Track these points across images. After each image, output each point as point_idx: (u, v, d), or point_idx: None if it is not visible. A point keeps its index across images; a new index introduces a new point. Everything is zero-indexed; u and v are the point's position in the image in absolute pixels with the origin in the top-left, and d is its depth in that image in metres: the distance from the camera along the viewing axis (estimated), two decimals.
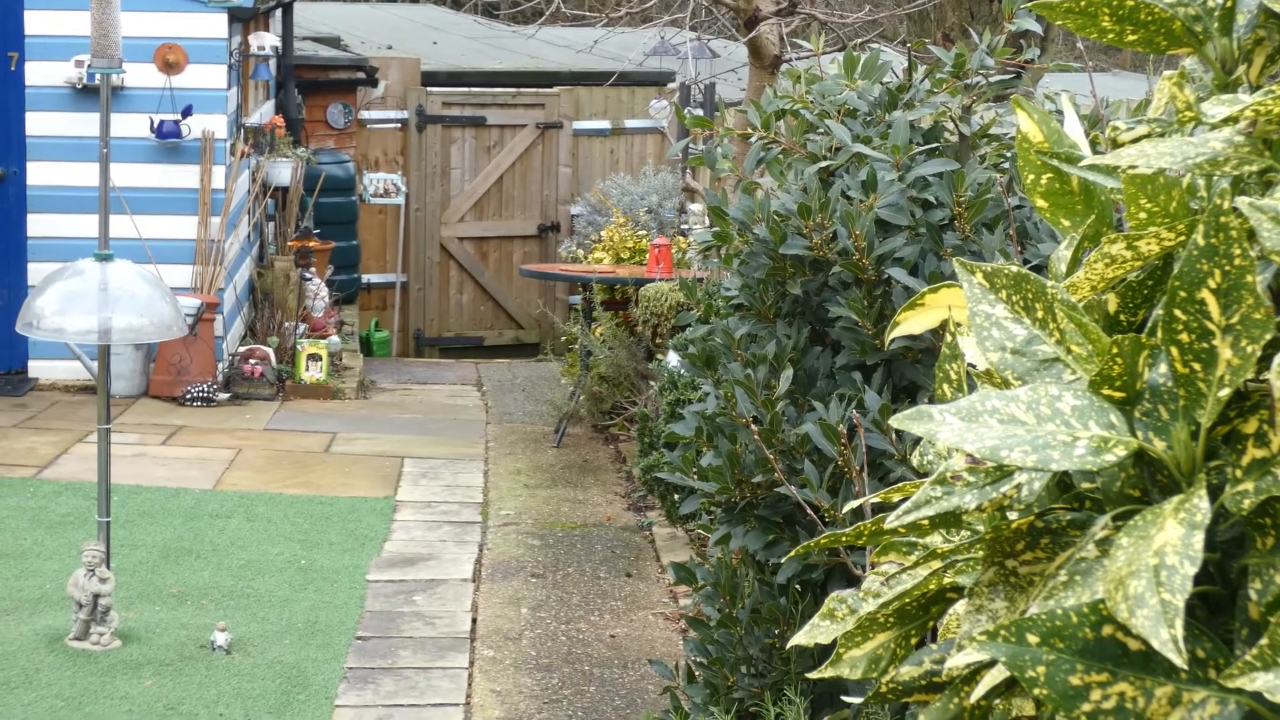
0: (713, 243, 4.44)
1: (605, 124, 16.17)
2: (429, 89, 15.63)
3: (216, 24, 10.96)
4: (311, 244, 12.82)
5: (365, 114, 14.95)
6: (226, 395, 10.83)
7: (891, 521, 1.53)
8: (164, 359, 10.83)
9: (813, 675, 1.86)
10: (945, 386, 1.98)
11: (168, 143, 10.85)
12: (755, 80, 8.42)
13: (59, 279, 5.97)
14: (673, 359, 8.22)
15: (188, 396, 10.66)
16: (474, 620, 6.46)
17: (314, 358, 11.34)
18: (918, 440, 3.26)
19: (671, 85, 14.94)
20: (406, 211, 15.36)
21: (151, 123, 10.80)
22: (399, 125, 15.45)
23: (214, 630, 6.05)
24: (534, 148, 15.85)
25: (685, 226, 11.86)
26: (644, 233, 10.74)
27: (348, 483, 8.75)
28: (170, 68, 10.79)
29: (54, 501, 7.97)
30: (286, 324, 11.80)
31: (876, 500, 1.76)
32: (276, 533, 7.68)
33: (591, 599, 6.72)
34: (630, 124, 16.34)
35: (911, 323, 2.09)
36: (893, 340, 2.70)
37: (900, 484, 1.72)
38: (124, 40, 10.67)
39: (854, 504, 1.98)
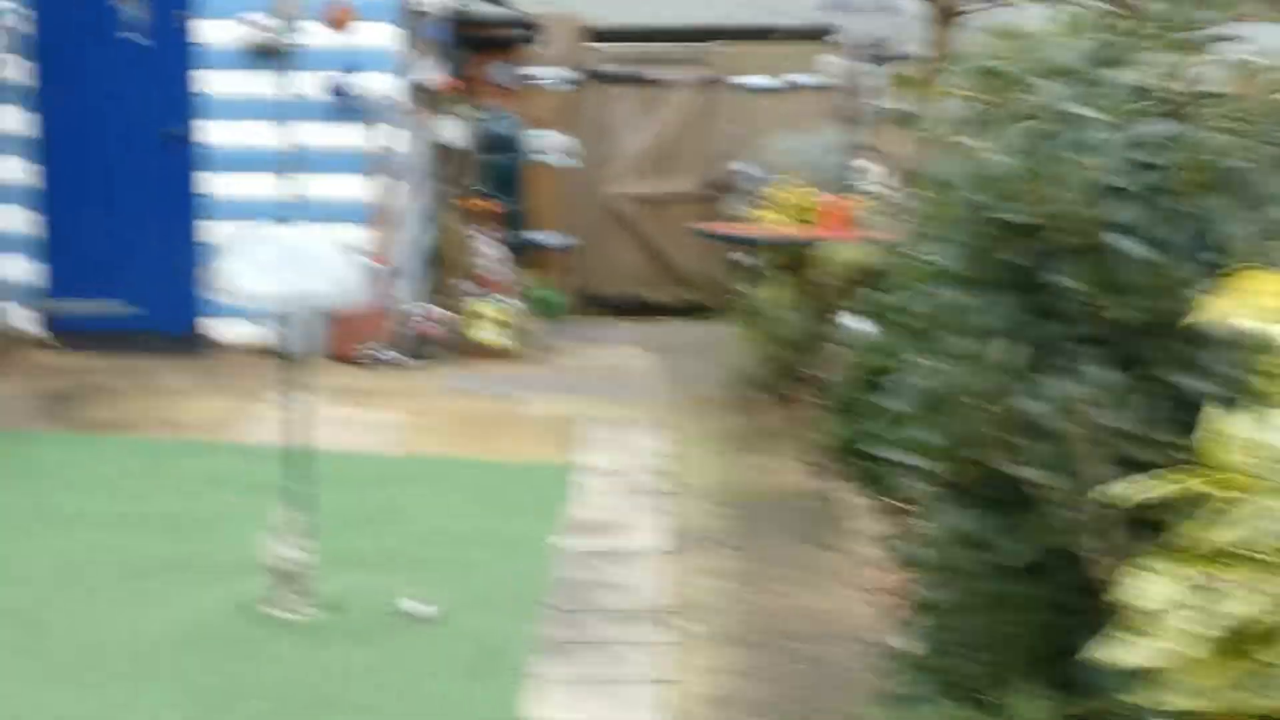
0: (923, 206, 4.27)
1: (768, 80, 15.97)
2: (592, 45, 15.52)
3: None
4: (482, 204, 12.79)
5: (529, 72, 14.87)
6: (405, 357, 10.83)
7: None
8: (342, 321, 10.83)
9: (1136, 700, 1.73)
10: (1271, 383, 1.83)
11: (340, 102, 10.83)
12: (933, 35, 8.21)
13: (247, 243, 5.94)
14: (850, 321, 8.07)
15: (366, 358, 10.67)
16: (667, 591, 6.36)
17: (490, 319, 11.30)
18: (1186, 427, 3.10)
19: (835, 38, 14.72)
20: (572, 171, 15.27)
21: (323, 82, 10.78)
22: (561, 83, 15.36)
23: (405, 598, 6.01)
24: (696, 104, 15.69)
25: (857, 184, 11.64)
26: (816, 192, 10.55)
27: (530, 447, 8.70)
28: (340, 25, 10.77)
29: (240, 465, 7.98)
30: (459, 284, 11.78)
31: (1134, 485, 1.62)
32: (462, 498, 7.64)
33: (786, 570, 6.60)
34: (793, 79, 16.12)
35: (1220, 306, 1.95)
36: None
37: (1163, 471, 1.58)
38: None
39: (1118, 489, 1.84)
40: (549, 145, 14.50)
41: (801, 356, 9.13)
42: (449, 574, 6.50)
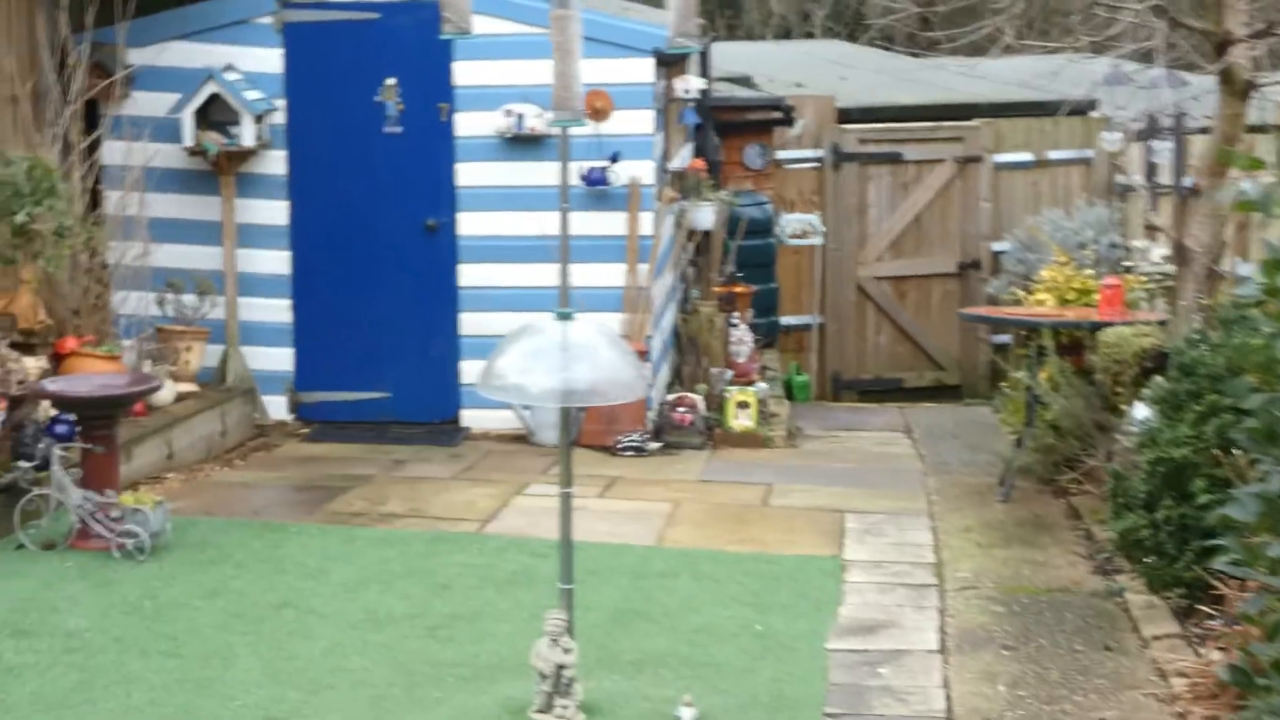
0: (1263, 297, 3.93)
1: (1027, 156, 15.59)
2: (843, 126, 15.30)
3: (643, 69, 10.82)
4: (736, 289, 12.60)
5: (781, 154, 14.69)
6: (657, 445, 10.65)
7: None
8: (595, 408, 10.68)
9: None
10: None
11: (595, 190, 10.73)
12: (1226, 108, 7.81)
13: (520, 338, 5.78)
14: (1143, 411, 7.67)
15: (620, 446, 10.51)
16: (948, 698, 6.03)
17: (742, 405, 11.08)
18: None
19: (1098, 114, 14.29)
20: (823, 252, 15.03)
21: (580, 171, 10.68)
22: (814, 164, 15.16)
23: (679, 705, 5.76)
24: (952, 183, 15.38)
25: (1129, 264, 11.23)
26: (1090, 272, 10.15)
27: (790, 539, 8.42)
28: (597, 114, 10.66)
29: (500, 558, 7.83)
30: (712, 370, 11.58)
31: None
32: (725, 593, 7.38)
33: (1071, 675, 6.22)
34: (1053, 155, 15.73)
35: None
36: None
37: None
38: (548, 88, 10.68)
39: None
40: (802, 228, 14.27)
41: (1080, 445, 8.73)
42: (720, 678, 6.25)
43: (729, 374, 11.63)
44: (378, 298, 11.04)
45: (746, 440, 11.00)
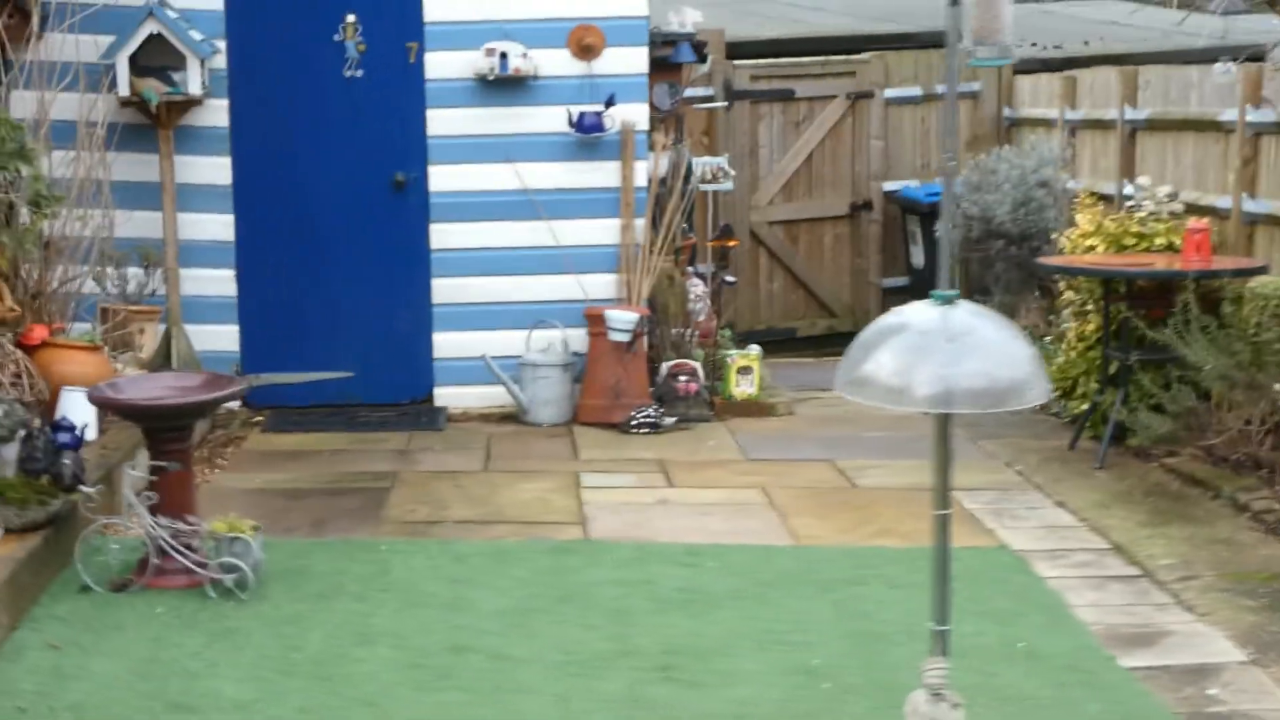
0: None
1: (916, 90, 14.89)
2: (735, 62, 14.37)
3: (636, 1, 9.71)
4: (690, 241, 11.61)
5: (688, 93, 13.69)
6: (672, 420, 9.62)
7: None
8: (597, 382, 9.65)
9: None
10: None
11: (588, 138, 9.63)
12: None
13: (890, 332, 4.71)
14: None
15: (633, 423, 9.47)
16: None
17: (744, 370, 10.15)
18: None
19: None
20: (714, 196, 14.10)
21: (569, 116, 9.59)
22: (712, 103, 14.20)
23: None
24: (844, 120, 14.58)
25: (1131, 203, 10.57)
26: (1143, 216, 9.45)
27: (928, 528, 7.50)
28: (586, 52, 9.61)
29: (645, 571, 6.78)
30: (675, 331, 10.57)
31: None
32: (961, 606, 6.43)
33: None
34: (941, 89, 15.06)
35: None
36: None
37: None
38: (532, 24, 9.53)
39: None
40: (711, 172, 13.29)
41: (1214, 407, 8.06)
42: (1043, 712, 5.34)
43: (692, 334, 10.62)
44: (337, 265, 9.78)
45: (751, 409, 10.07)
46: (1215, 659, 5.85)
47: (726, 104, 13.66)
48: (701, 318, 10.90)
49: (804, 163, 14.50)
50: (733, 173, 13.17)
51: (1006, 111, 14.53)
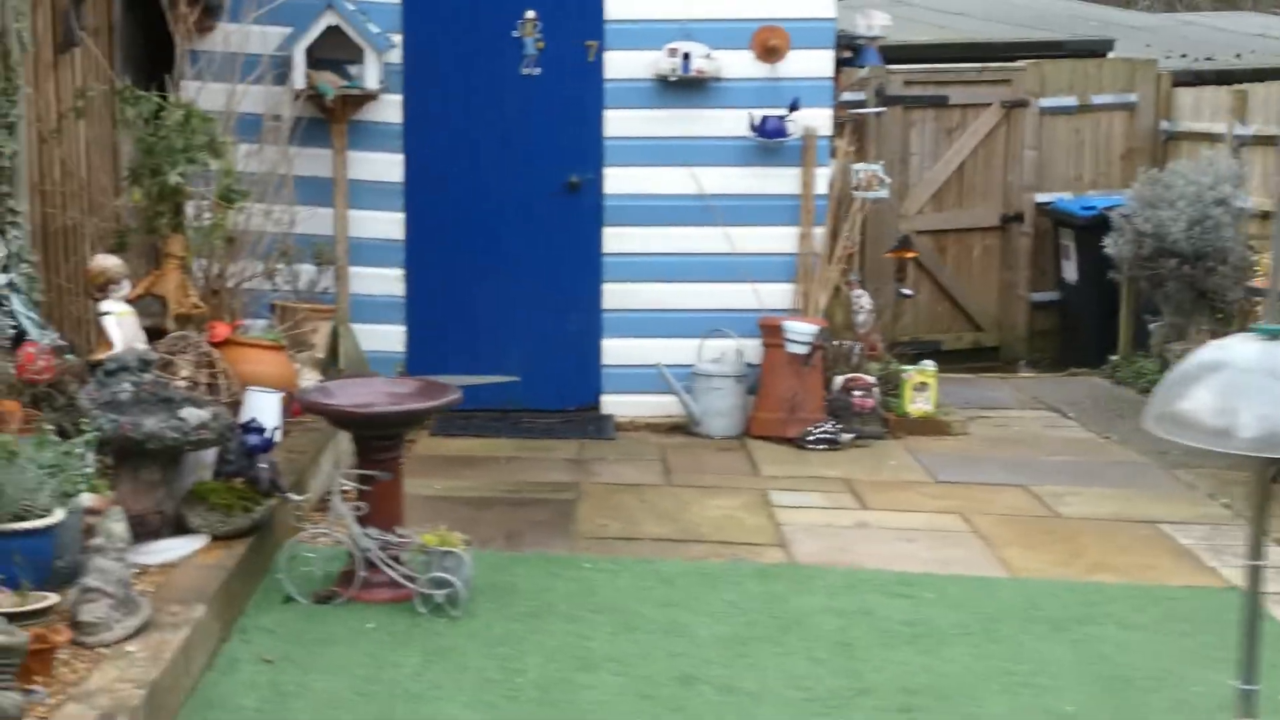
0: None
1: (1071, 100, 14.52)
2: (888, 67, 14.03)
3: (823, 1, 9.40)
4: (850, 250, 11.28)
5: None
6: (850, 435, 9.31)
7: None
8: (772, 394, 9.36)
9: None
10: None
11: (769, 142, 9.34)
12: None
13: (1206, 370, 4.38)
14: None
15: (810, 439, 9.17)
16: None
17: (920, 387, 9.82)
18: None
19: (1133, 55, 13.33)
20: (862, 204, 13.78)
21: (751, 120, 9.29)
22: (859, 108, 13.87)
23: None
24: (997, 129, 14.22)
25: None
26: None
27: (1143, 562, 7.21)
28: (771, 54, 9.33)
29: (858, 600, 6.48)
30: (844, 344, 10.26)
31: None
32: (1173, 649, 6.13)
33: None
34: (1097, 100, 14.70)
35: None
36: None
37: None
38: (715, 24, 9.24)
39: None
40: (867, 179, 12.98)
41: None
42: None
43: (858, 347, 10.31)
44: (507, 266, 9.52)
45: (927, 427, 9.75)
46: None
47: (880, 109, 13.33)
48: (866, 330, 10.60)
49: (955, 171, 14.17)
50: (888, 180, 12.87)
51: (1164, 124, 14.14)
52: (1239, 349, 4.38)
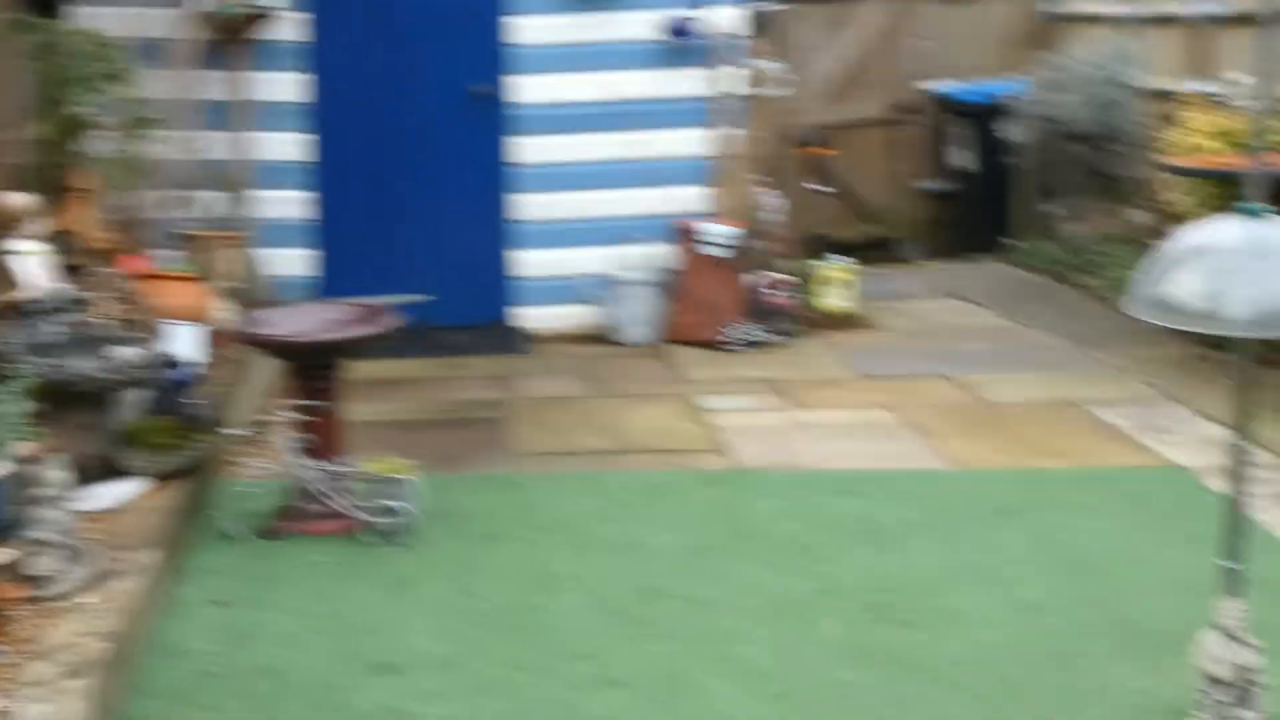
0: None
1: None
2: None
3: None
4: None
5: None
6: (771, 335, 9.26)
7: None
8: (691, 298, 9.29)
9: None
10: None
11: (681, 44, 9.20)
12: None
13: (1186, 249, 4.33)
14: None
15: (730, 341, 9.10)
16: None
17: (837, 283, 9.78)
18: None
19: None
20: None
21: (663, 22, 9.14)
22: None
23: None
24: (889, 21, 14.12)
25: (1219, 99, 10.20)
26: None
27: (1084, 446, 7.23)
28: None
29: (807, 503, 6.45)
30: (759, 244, 10.16)
31: None
32: (1126, 529, 6.16)
33: None
34: None
35: None
36: None
37: None
38: None
39: None
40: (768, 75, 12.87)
41: None
42: None
43: (772, 246, 10.23)
44: (416, 183, 9.35)
45: (845, 322, 9.73)
46: None
47: (777, 5, 13.19)
48: (777, 229, 10.52)
49: (845, 65, 14.07)
50: (792, 78, 12.76)
51: (1049, 7, 14.10)
52: (1222, 231, 4.34)
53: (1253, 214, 4.27)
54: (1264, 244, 4.21)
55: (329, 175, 9.21)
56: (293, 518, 6.00)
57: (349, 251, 9.30)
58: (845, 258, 10.16)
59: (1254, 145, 4.31)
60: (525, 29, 9.15)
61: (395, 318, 6.09)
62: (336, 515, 5.98)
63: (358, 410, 7.61)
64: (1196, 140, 9.15)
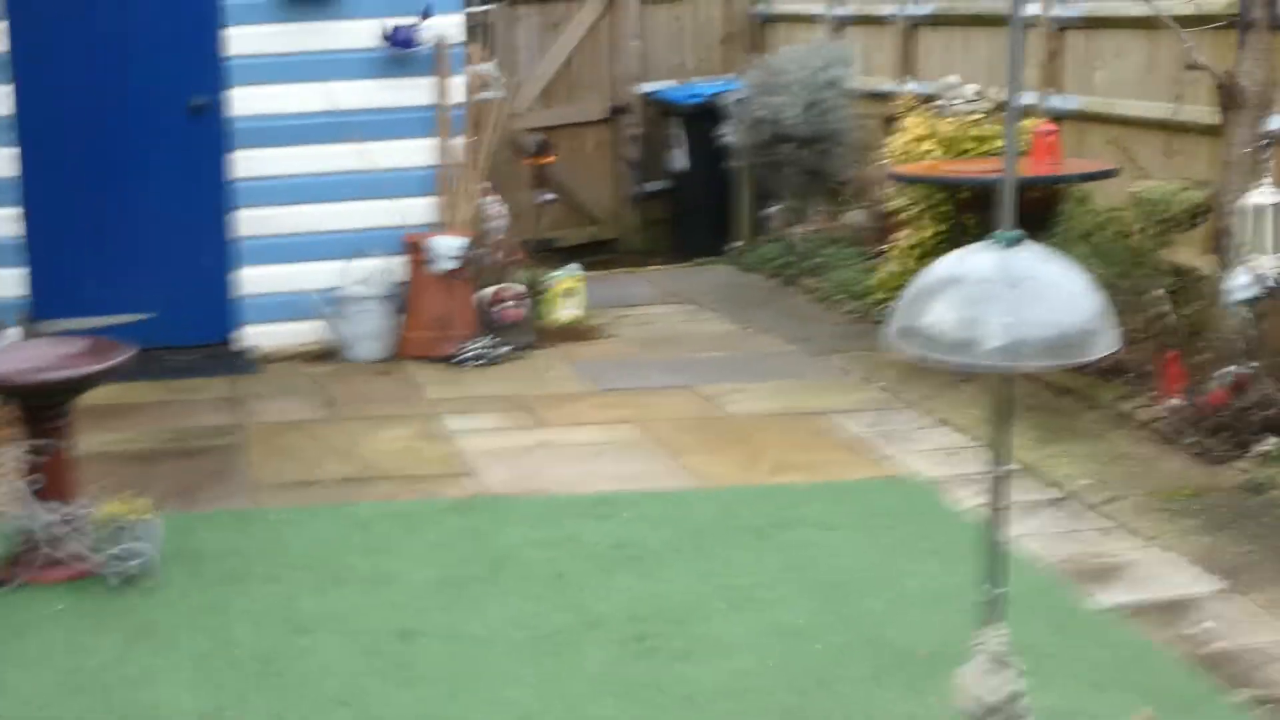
0: None
1: None
2: None
3: None
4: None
5: None
6: (505, 349, 9.16)
7: None
8: (423, 313, 9.15)
9: None
10: None
11: (403, 53, 9.05)
12: None
13: (946, 282, 4.34)
14: (1249, 278, 6.97)
15: (465, 356, 8.99)
16: None
17: (569, 293, 9.74)
18: None
19: None
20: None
21: (383, 29, 8.98)
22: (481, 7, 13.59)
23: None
24: (601, 20, 14.14)
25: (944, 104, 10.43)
26: (979, 117, 9.28)
27: (827, 459, 7.30)
28: None
29: (559, 529, 6.36)
30: (487, 255, 10.06)
31: None
32: (876, 546, 6.22)
33: None
34: None
35: None
36: None
37: None
38: None
39: None
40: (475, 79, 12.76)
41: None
42: (1045, 663, 5.11)
43: (499, 256, 10.13)
44: (134, 198, 9.06)
45: (577, 333, 9.70)
46: (1191, 590, 5.72)
47: (488, 7, 13.09)
48: (502, 239, 10.42)
49: (562, 66, 14.04)
50: (502, 79, 12.65)
51: (761, 8, 14.26)
52: (975, 261, 4.36)
53: (1007, 242, 4.29)
54: (1016, 272, 4.23)
55: (39, 191, 8.84)
56: (23, 565, 5.71)
57: (63, 270, 8.94)
58: (572, 265, 10.09)
59: (1006, 171, 4.34)
60: (241, 39, 8.90)
61: (128, 350, 5.83)
62: (71, 561, 5.71)
63: (83, 441, 7.31)
64: (913, 144, 9.30)
